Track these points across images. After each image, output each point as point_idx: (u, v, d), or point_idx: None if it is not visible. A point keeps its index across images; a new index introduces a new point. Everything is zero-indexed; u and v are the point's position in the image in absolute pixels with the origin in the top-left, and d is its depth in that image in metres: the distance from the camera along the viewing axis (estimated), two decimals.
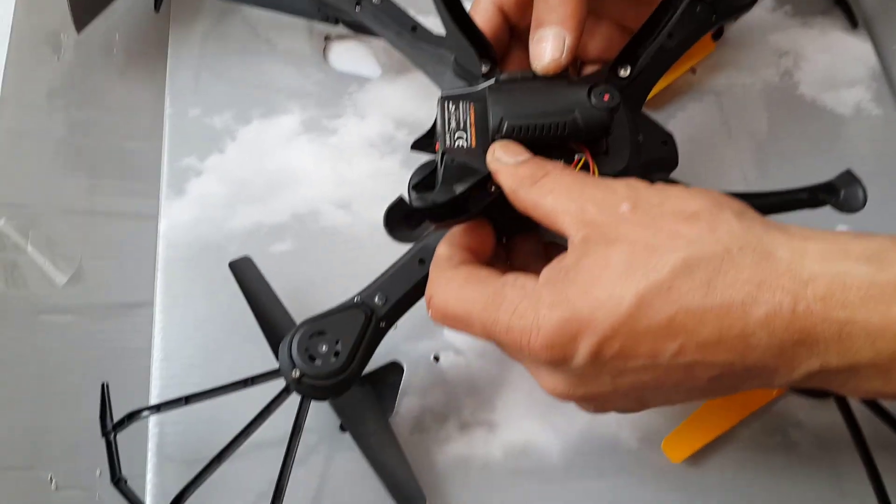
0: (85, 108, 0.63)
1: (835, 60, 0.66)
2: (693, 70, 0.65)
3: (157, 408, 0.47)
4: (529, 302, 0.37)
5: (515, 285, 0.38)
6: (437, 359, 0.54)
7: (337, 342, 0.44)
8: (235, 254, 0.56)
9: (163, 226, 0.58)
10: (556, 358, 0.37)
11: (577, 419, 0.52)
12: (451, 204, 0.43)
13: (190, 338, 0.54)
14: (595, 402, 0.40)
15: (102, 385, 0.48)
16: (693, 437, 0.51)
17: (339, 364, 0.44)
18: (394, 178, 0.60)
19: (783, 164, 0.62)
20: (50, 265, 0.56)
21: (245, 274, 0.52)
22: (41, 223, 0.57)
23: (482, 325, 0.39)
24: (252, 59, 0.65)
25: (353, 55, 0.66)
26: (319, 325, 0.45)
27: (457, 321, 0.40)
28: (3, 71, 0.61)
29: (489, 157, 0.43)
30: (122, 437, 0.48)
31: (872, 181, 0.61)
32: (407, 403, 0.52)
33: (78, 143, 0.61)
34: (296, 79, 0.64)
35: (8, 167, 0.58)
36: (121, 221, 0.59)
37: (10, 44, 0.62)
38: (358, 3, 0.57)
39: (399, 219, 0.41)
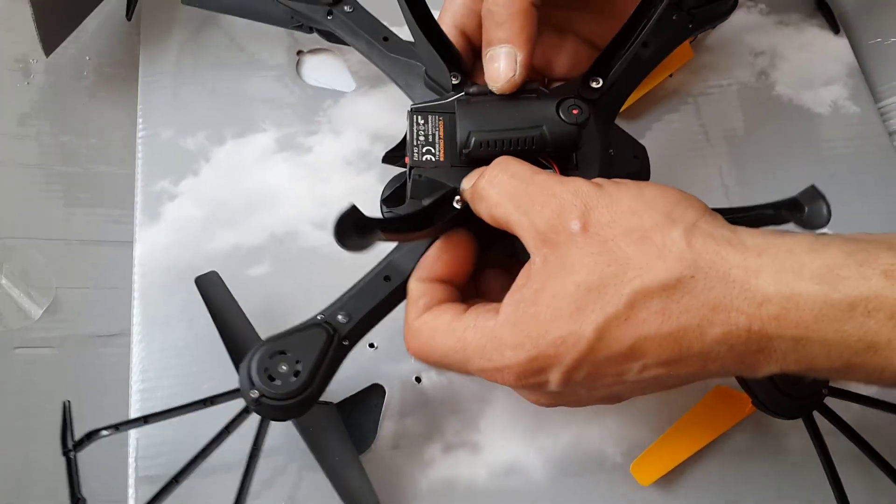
0: (56, 134, 0.62)
1: (811, 58, 0.66)
2: (670, 73, 0.65)
3: (117, 427, 0.46)
4: (493, 344, 0.38)
5: (477, 327, 0.39)
6: (418, 380, 0.53)
7: (297, 362, 0.43)
8: None
9: (138, 252, 0.57)
10: (530, 386, 0.39)
11: (561, 436, 0.52)
12: (416, 217, 0.44)
13: (169, 366, 0.53)
14: (577, 404, 0.42)
15: (64, 403, 0.47)
16: (662, 459, 0.51)
17: (299, 384, 0.43)
18: (371, 195, 0.59)
19: (761, 166, 0.62)
20: (25, 297, 0.55)
21: (210, 289, 0.51)
22: (16, 254, 0.56)
23: (457, 367, 0.40)
24: (225, 78, 0.64)
25: (326, 69, 0.65)
26: (280, 345, 0.44)
27: (435, 365, 0.42)
28: None
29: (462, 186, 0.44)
30: (103, 463, 0.48)
31: (850, 179, 0.61)
32: (389, 426, 0.52)
33: (51, 169, 0.60)
34: (270, 96, 0.63)
35: None
36: (96, 249, 0.59)
37: None
38: (329, 13, 0.56)
39: (350, 228, 0.41)
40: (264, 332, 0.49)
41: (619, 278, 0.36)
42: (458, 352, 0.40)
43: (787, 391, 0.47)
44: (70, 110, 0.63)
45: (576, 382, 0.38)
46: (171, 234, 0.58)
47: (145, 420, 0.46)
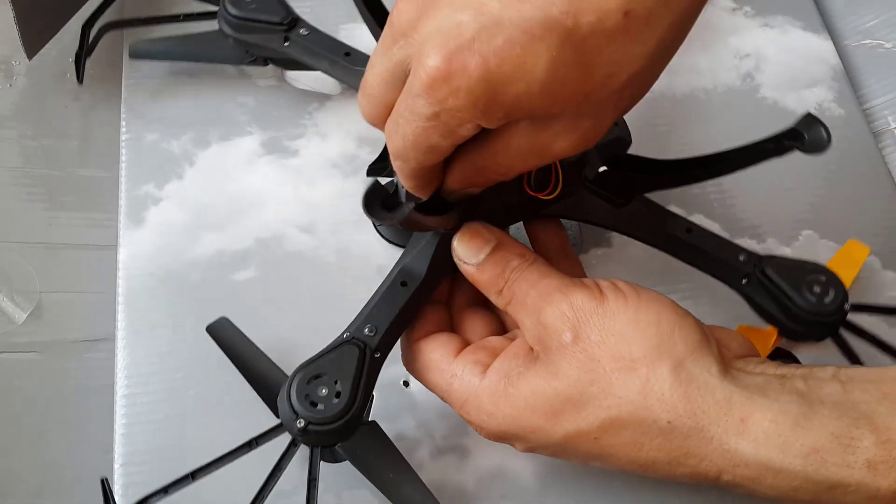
0: (39, 137, 0.61)
1: (796, 61, 0.66)
2: None
3: (166, 490, 0.44)
4: (473, 402, 0.41)
5: (462, 380, 0.42)
6: (406, 384, 0.53)
7: (336, 382, 0.43)
8: (197, 283, 0.55)
9: (122, 256, 0.56)
10: (501, 442, 0.42)
11: None
12: (430, 202, 0.43)
13: (154, 372, 0.53)
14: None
15: (102, 481, 0.44)
16: None
17: (344, 404, 0.42)
18: (358, 199, 0.58)
19: (746, 170, 0.62)
20: (8, 302, 0.55)
21: (225, 336, 0.50)
22: None
23: (442, 399, 0.44)
24: (210, 80, 0.63)
25: (312, 72, 0.65)
26: (314, 369, 0.43)
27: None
28: None
29: (453, 246, 0.44)
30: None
31: (836, 181, 0.61)
32: None
33: (33, 172, 0.60)
34: (255, 99, 0.63)
35: None
36: (80, 253, 0.58)
37: None
38: (286, 39, 0.56)
39: (377, 202, 0.41)
40: (255, 337, 0.50)
41: (599, 401, 0.37)
42: (443, 392, 0.43)
43: (812, 311, 0.48)
44: (53, 113, 0.63)
45: (542, 452, 0.41)
46: (155, 239, 0.57)
47: (193, 476, 0.44)
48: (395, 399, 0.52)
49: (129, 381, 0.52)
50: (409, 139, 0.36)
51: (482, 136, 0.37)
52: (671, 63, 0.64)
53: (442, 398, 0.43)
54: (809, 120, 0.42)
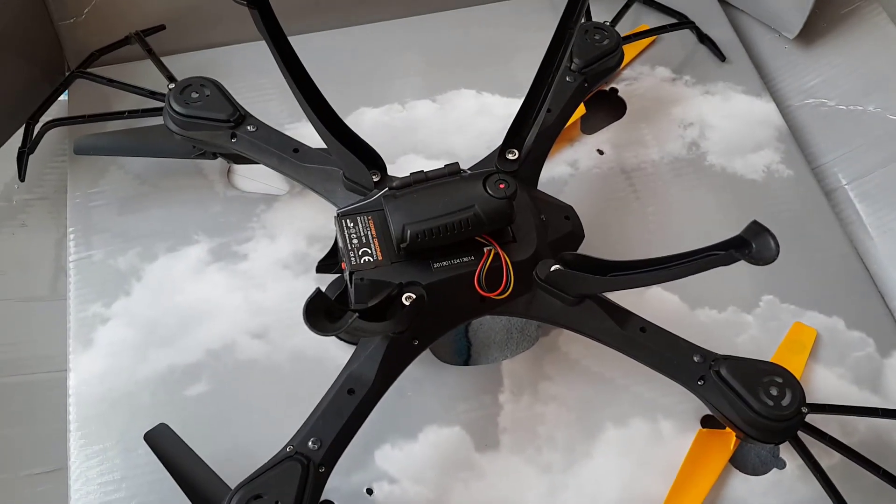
0: None
1: (740, 125, 0.66)
2: (601, 151, 0.65)
3: None
4: None
5: None
6: (370, 491, 0.51)
7: (277, 502, 0.41)
8: (149, 403, 0.54)
9: (72, 381, 0.55)
10: None
11: None
12: (377, 307, 0.43)
13: (109, 502, 0.51)
14: None
15: None
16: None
17: None
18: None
19: (700, 238, 0.61)
20: None
21: (162, 444, 0.48)
22: None
23: None
24: (155, 191, 0.63)
25: (257, 173, 0.64)
26: (253, 489, 0.41)
27: None
28: None
29: None
30: None
31: (793, 242, 0.61)
32: None
33: None
34: (201, 206, 0.62)
35: None
36: (30, 380, 0.56)
37: None
38: (233, 136, 0.56)
39: (321, 312, 0.40)
40: (210, 454, 0.48)
41: None
42: None
43: (769, 416, 0.46)
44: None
45: None
46: (104, 360, 0.56)
47: None
48: None
49: None
50: None
51: None
52: (617, 137, 0.65)
53: None
54: (756, 229, 0.40)
